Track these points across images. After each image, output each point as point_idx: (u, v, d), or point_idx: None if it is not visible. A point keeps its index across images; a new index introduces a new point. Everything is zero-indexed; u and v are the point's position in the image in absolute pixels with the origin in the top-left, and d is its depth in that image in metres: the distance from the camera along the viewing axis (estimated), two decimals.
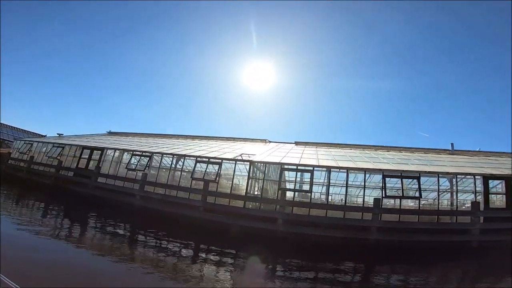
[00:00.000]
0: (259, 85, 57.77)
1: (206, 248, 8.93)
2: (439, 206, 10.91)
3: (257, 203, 11.45)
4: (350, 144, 17.66)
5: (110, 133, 23.82)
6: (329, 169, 11.14)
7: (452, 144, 16.64)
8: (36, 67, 65.39)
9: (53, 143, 16.99)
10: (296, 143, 18.65)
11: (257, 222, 10.51)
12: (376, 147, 17.18)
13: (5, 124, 29.23)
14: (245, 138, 19.94)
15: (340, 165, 11.31)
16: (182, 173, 13.20)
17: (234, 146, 16.46)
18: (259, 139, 19.71)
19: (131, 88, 73.01)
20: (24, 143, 18.28)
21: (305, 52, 58.00)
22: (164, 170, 13.99)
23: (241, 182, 13.54)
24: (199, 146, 16.54)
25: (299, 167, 11.38)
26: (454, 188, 11.00)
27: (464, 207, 11.38)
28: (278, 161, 11.91)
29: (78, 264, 6.20)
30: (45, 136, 25.56)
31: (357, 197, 11.96)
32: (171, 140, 19.39)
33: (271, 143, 18.97)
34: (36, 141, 17.94)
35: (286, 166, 11.56)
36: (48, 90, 70.60)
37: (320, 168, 11.42)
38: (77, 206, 12.92)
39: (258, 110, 66.97)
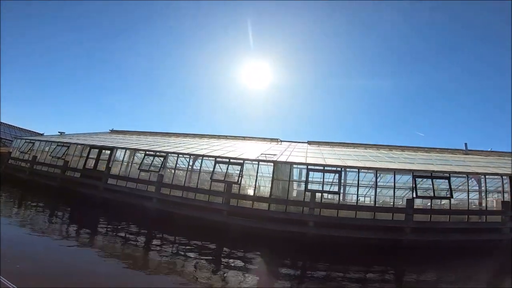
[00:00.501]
0: (256, 84, 57.38)
1: (242, 255, 8.45)
2: (469, 206, 10.79)
3: (282, 205, 11.08)
4: (363, 144, 17.50)
5: (113, 132, 22.92)
6: (358, 169, 10.86)
7: (465, 144, 16.73)
8: (30, 65, 62.91)
9: (57, 142, 16.09)
10: (309, 143, 18.34)
11: (286, 225, 10.17)
12: (389, 147, 17.07)
13: (3, 123, 27.76)
14: (256, 137, 19.51)
15: (369, 166, 11.05)
16: (200, 174, 12.63)
17: (250, 145, 16.00)
18: (269, 138, 19.31)
19: (128, 87, 71.39)
20: (25, 142, 17.26)
21: (302, 51, 57.91)
22: (180, 171, 13.41)
23: (262, 183, 13.18)
24: (211, 145, 16.00)
25: (326, 168, 11.03)
26: (483, 188, 10.93)
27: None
28: (303, 161, 11.53)
29: (106, 276, 5.74)
30: (42, 134, 24.41)
31: (384, 197, 11.72)
32: (180, 139, 18.76)
33: (283, 142, 18.62)
34: (38, 140, 16.96)
35: (312, 167, 11.20)
36: (44, 88, 68.19)
37: (349, 169, 11.10)
38: (90, 211, 12.16)
39: (256, 109, 66.55)
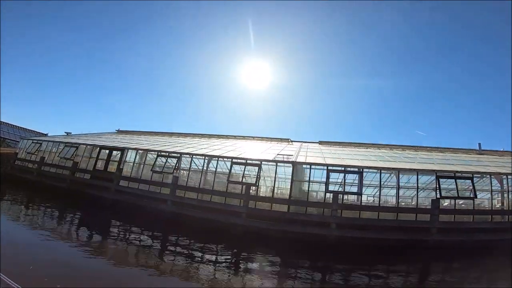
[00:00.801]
0: (256, 84, 57.16)
1: (262, 258, 8.21)
2: (492, 206, 10.69)
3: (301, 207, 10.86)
4: (376, 144, 17.34)
5: (119, 132, 22.55)
6: (379, 170, 10.66)
7: (479, 144, 16.62)
8: (29, 65, 62.03)
9: (65, 142, 15.71)
10: (320, 143, 18.14)
11: (307, 227, 9.96)
12: (403, 147, 16.92)
13: (5, 122, 27.16)
14: (266, 137, 19.26)
15: (390, 166, 10.86)
16: (216, 176, 12.37)
17: (265, 146, 15.75)
18: (279, 138, 19.08)
19: (128, 87, 70.81)
20: (32, 142, 16.83)
21: (302, 51, 57.76)
22: (194, 172, 13.12)
23: (278, 185, 12.93)
24: (224, 145, 15.73)
25: (347, 169, 10.83)
26: (505, 188, 10.81)
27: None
28: (322, 162, 11.31)
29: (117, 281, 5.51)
30: (47, 134, 23.94)
31: (404, 197, 11.56)
32: (189, 139, 18.46)
33: (294, 142, 18.40)
34: (46, 140, 16.55)
35: (332, 168, 10.98)
36: (43, 88, 67.44)
37: (369, 170, 10.89)
38: (102, 213, 11.84)
39: (256, 109, 66.32)
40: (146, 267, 6.52)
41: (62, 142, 15.88)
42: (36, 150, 16.18)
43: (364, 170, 10.65)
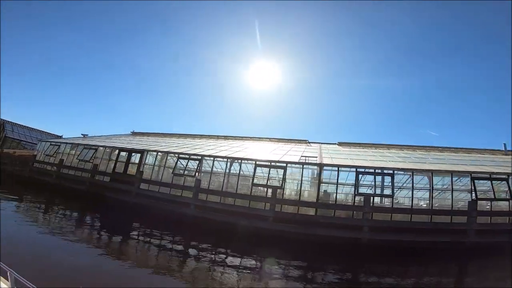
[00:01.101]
0: (264, 85, 56.94)
1: (297, 265, 7.94)
2: None
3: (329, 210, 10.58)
4: (398, 145, 16.92)
5: (134, 133, 22.47)
6: (412, 172, 10.32)
7: (504, 145, 16.12)
8: (29, 65, 62.56)
9: (84, 144, 15.63)
10: (340, 144, 17.79)
11: (338, 230, 9.67)
12: (424, 148, 16.49)
13: (18, 124, 27.16)
14: (284, 139, 18.99)
15: (423, 168, 10.53)
16: (240, 178, 12.10)
17: (286, 147, 15.46)
18: (297, 140, 18.80)
19: (135, 88, 71.12)
20: (50, 144, 16.78)
21: (309, 51, 57.42)
22: (215, 175, 12.87)
23: (296, 187, 12.61)
24: (243, 147, 15.50)
25: (377, 170, 10.50)
26: None
27: None
28: (352, 163, 11.01)
29: None
30: (61, 136, 23.94)
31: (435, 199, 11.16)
32: (206, 141, 18.27)
33: (312, 143, 18.09)
34: (64, 143, 16.49)
35: (362, 170, 10.67)
36: (44, 89, 68.02)
37: (401, 172, 10.56)
38: (126, 218, 11.60)
39: (261, 109, 66.08)
40: (169, 271, 6.38)
41: (80, 144, 15.80)
42: (55, 152, 16.11)
43: (396, 172, 10.32)
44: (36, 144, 22.30)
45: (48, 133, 29.22)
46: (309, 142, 18.19)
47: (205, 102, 72.28)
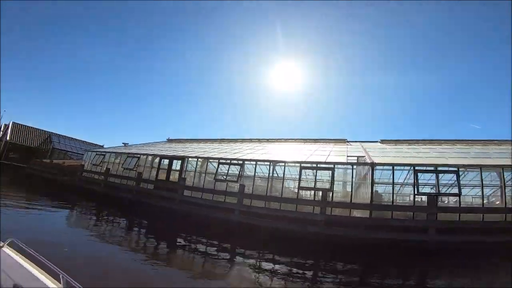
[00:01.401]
0: (285, 86, 56.35)
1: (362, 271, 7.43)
2: None
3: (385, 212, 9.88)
4: (451, 140, 15.66)
5: (170, 140, 23.03)
6: (480, 168, 9.34)
7: None
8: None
9: (127, 153, 16.17)
10: (382, 141, 16.82)
11: (400, 233, 8.99)
12: (483, 142, 15.05)
13: (63, 135, 29.11)
14: (320, 139, 18.38)
15: (492, 163, 9.55)
16: (285, 182, 11.74)
17: (328, 148, 14.88)
18: (334, 139, 18.08)
19: (168, 95, 73.62)
20: (96, 154, 17.66)
21: (331, 50, 55.82)
22: (258, 179, 12.62)
23: (352, 189, 11.98)
24: (283, 149, 15.15)
25: (439, 168, 9.63)
26: None
27: None
28: (408, 162, 10.22)
29: None
30: (102, 146, 25.21)
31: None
32: (244, 145, 18.15)
33: (351, 142, 17.28)
34: (109, 152, 17.25)
35: (421, 168, 9.85)
36: (91, 101, 72.25)
37: (468, 169, 9.61)
38: (173, 225, 11.68)
39: (287, 110, 65.35)
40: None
41: (124, 153, 16.36)
42: (101, 161, 16.87)
43: (460, 169, 9.40)
44: (81, 154, 23.63)
45: (90, 143, 31.05)
46: (348, 141, 17.41)
47: (237, 106, 73.01)
